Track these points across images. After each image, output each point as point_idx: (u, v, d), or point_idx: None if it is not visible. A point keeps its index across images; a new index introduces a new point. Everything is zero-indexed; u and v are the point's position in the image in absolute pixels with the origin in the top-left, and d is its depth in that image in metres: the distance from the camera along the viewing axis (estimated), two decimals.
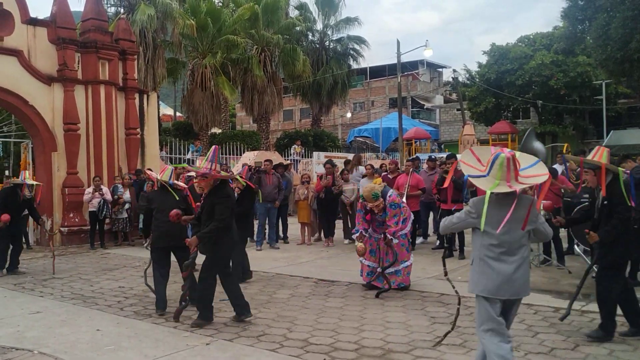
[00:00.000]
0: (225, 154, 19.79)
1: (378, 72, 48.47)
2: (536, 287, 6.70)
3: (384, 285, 7.22)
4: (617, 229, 5.12)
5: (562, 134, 33.33)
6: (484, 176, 3.82)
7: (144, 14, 19.74)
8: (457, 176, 9.77)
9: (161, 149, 17.87)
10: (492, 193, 3.72)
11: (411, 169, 10.94)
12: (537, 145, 12.46)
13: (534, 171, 3.86)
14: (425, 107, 48.60)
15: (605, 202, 5.24)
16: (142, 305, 6.91)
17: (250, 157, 18.13)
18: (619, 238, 5.16)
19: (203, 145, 22.43)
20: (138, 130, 14.01)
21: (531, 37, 34.31)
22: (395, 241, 7.26)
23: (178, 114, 33.63)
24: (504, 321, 3.89)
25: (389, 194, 7.35)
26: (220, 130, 26.72)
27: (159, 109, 25.09)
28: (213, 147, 6.05)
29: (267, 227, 11.72)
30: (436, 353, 4.93)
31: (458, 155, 17.89)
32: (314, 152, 23.72)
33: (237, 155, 20.02)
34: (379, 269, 7.34)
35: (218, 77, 22.56)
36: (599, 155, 5.23)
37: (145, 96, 14.54)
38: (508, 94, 32.76)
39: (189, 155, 19.35)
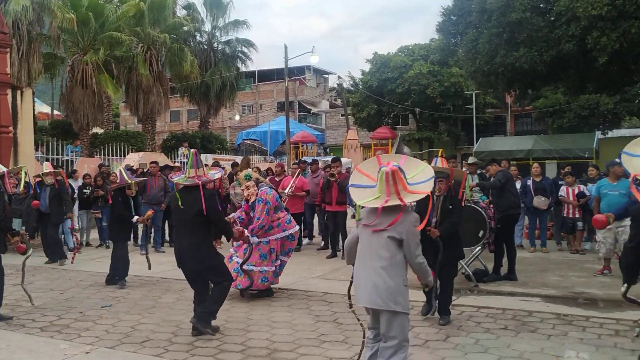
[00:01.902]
0: (108, 155, 18.99)
1: (266, 75, 48.64)
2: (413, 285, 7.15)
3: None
4: (455, 227, 5.88)
5: (437, 140, 35.50)
6: (372, 187, 3.89)
7: (18, 4, 18.41)
8: (341, 179, 10.19)
9: (37, 149, 16.77)
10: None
11: (297, 172, 11.20)
12: (405, 150, 13.26)
13: (422, 188, 3.92)
14: (311, 111, 49.51)
15: (447, 204, 5.88)
16: (14, 314, 6.53)
17: (134, 159, 17.53)
18: (452, 239, 5.90)
19: (84, 145, 21.33)
20: (10, 128, 13.06)
21: (410, 47, 36.21)
22: (254, 239, 6.96)
23: (56, 112, 31.67)
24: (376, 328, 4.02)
25: (262, 188, 7.22)
26: (102, 130, 25.56)
27: (34, 106, 23.52)
28: (192, 150, 5.73)
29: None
30: (320, 350, 5.15)
31: (343, 159, 18.40)
32: (201, 155, 23.37)
33: (120, 156, 19.27)
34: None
35: (100, 74, 21.53)
36: (444, 164, 6.07)
37: (18, 92, 13.60)
38: (389, 101, 34.31)
39: (67, 156, 18.32)
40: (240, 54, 32.83)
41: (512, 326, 5.84)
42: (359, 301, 3.93)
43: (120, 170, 8.53)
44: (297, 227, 7.65)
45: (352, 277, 4.45)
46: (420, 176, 3.97)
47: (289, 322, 6.09)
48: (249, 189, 7.21)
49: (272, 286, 7.38)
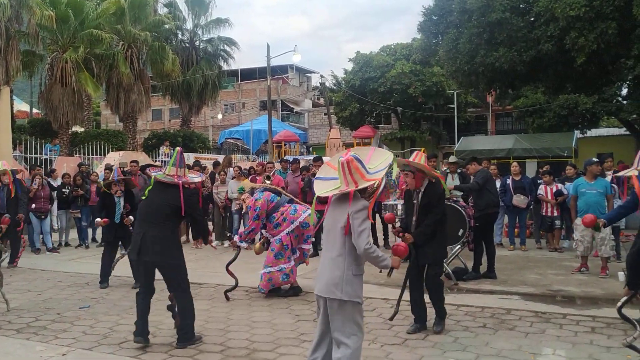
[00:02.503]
0: (88, 154, 18.79)
1: (249, 74, 48.50)
2: (395, 283, 7.18)
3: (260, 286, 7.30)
4: (430, 229, 5.50)
5: (419, 139, 35.69)
6: (336, 178, 3.88)
7: None
8: None
9: (15, 148, 16.53)
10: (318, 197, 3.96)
11: (274, 170, 11.20)
12: (384, 149, 13.17)
13: (376, 175, 3.91)
14: (294, 110, 49.47)
15: (425, 203, 5.60)
16: None
17: (115, 158, 17.37)
18: (434, 236, 5.57)
19: (63, 144, 21.07)
20: None
21: (392, 47, 36.32)
22: (243, 244, 7.27)
23: (36, 110, 31.21)
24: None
25: (254, 196, 7.35)
26: (82, 129, 25.27)
27: (12, 104, 23.15)
28: (178, 149, 5.49)
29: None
30: (299, 349, 5.14)
31: (325, 158, 18.41)
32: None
33: (101, 155, 19.07)
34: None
35: (80, 72, 21.26)
36: (418, 158, 5.75)
37: None
38: (371, 100, 34.41)
39: (46, 155, 18.08)
40: (222, 53, 32.66)
41: (490, 324, 5.90)
42: (316, 290, 3.93)
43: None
44: (308, 212, 7.24)
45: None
46: (382, 165, 3.98)
47: (269, 322, 6.08)
48: (245, 202, 7.37)
49: (252, 286, 7.39)
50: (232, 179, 11.85)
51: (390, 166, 4.14)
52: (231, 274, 7.23)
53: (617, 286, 7.44)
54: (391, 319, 5.84)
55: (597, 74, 13.16)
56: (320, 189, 3.94)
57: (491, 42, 12.59)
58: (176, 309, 5.33)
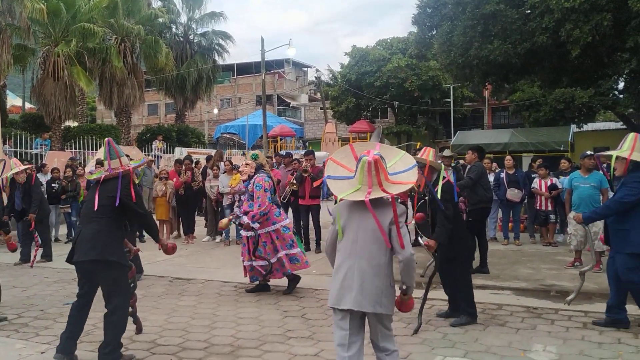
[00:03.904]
0: (82, 149, 18.64)
1: (245, 69, 48.34)
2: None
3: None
4: (447, 227, 5.37)
5: (415, 133, 35.58)
6: (350, 177, 3.57)
7: None
8: (314, 172, 10.07)
9: (5, 142, 16.37)
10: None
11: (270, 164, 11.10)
12: (386, 142, 13.04)
13: (406, 177, 3.59)
14: (291, 105, 49.30)
15: (432, 198, 5.54)
16: None
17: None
18: (453, 233, 5.45)
19: (55, 138, 20.89)
20: None
21: (389, 41, 36.19)
22: (256, 225, 6.75)
23: (29, 105, 30.99)
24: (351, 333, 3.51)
25: (260, 174, 6.94)
26: (76, 124, 25.08)
27: (5, 99, 22.98)
28: (106, 140, 4.99)
29: None
30: (284, 347, 5.03)
31: (322, 153, 18.22)
32: (176, 148, 23.11)
33: (93, 150, 18.91)
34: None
35: (73, 66, 21.05)
36: (426, 154, 5.71)
37: None
38: (367, 95, 34.28)
39: (36, 149, 17.91)
40: (217, 47, 32.43)
41: (481, 320, 5.78)
42: (343, 304, 3.47)
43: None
44: (288, 220, 7.26)
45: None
46: (399, 165, 3.65)
47: (255, 318, 5.97)
48: (246, 167, 6.95)
49: (240, 282, 7.27)
50: (223, 173, 11.72)
51: (416, 167, 3.72)
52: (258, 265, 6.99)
53: None
54: (415, 332, 5.44)
55: (593, 67, 13.03)
56: (340, 190, 3.55)
57: (485, 35, 12.45)
58: (114, 318, 4.62)
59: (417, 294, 6.30)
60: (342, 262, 3.52)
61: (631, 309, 5.55)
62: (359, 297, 3.40)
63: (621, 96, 25.12)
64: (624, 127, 25.60)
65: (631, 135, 5.49)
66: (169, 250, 5.08)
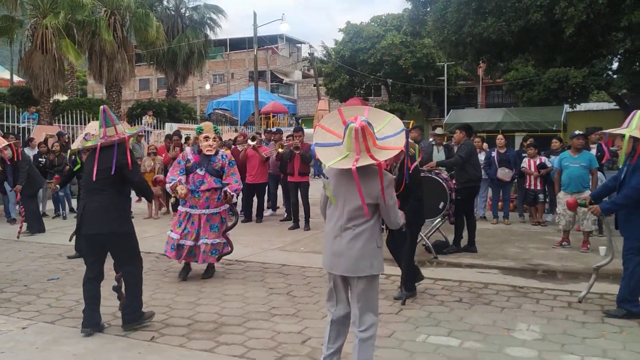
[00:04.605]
0: (70, 123, 18.43)
1: (238, 44, 47.84)
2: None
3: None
4: (415, 207, 5.59)
5: (409, 111, 35.43)
6: (338, 144, 3.55)
7: None
8: (304, 149, 10.00)
9: None
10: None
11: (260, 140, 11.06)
12: None
13: (392, 142, 3.58)
14: (284, 81, 48.95)
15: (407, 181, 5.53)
16: None
17: (95, 127, 16.88)
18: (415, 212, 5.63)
19: (44, 112, 20.63)
20: None
21: (383, 17, 35.82)
22: (235, 199, 6.67)
23: (17, 78, 30.53)
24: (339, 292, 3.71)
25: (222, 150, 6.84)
26: (65, 98, 24.76)
27: None
28: (102, 107, 4.89)
29: None
30: (269, 324, 5.00)
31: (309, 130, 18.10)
32: (166, 124, 22.91)
33: (82, 124, 18.70)
34: (187, 243, 6.53)
35: (61, 39, 20.69)
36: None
37: None
38: (361, 72, 34.01)
39: (23, 123, 17.68)
40: (208, 21, 32.04)
41: (466, 299, 5.79)
42: (335, 269, 3.61)
43: None
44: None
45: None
46: (388, 129, 3.62)
47: (241, 295, 5.94)
48: (209, 140, 6.55)
49: (227, 258, 7.18)
50: None
51: (404, 131, 3.70)
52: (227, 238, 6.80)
53: (598, 260, 7.34)
54: (403, 302, 5.57)
55: (587, 46, 12.91)
56: (327, 158, 3.53)
57: (479, 12, 12.28)
58: (123, 288, 4.85)
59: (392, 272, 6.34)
60: (332, 228, 3.63)
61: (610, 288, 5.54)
62: (350, 262, 3.53)
63: (615, 76, 25.01)
64: (617, 107, 25.55)
65: (639, 112, 5.18)
66: (159, 184, 5.64)
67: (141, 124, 22.32)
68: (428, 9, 15.23)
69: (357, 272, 3.53)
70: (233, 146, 11.85)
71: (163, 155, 12.01)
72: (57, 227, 10.59)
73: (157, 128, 22.56)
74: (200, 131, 6.67)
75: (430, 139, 11.00)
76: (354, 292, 3.61)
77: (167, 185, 6.38)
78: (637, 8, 10.32)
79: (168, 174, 6.67)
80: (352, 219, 3.55)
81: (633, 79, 21.23)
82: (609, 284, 6.29)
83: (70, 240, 7.14)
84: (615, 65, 22.43)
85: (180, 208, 6.71)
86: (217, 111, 37.16)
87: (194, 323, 5.03)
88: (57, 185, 9.62)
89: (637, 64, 17.92)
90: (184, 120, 27.41)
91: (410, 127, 6.34)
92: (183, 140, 12.58)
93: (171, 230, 6.62)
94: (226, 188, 6.50)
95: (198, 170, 6.52)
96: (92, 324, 4.72)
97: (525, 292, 6.05)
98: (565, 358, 4.22)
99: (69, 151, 10.33)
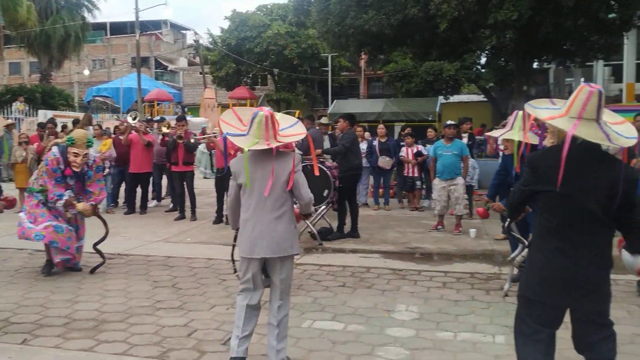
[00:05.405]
0: None
1: (120, 28, 45.70)
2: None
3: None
4: None
5: (295, 101, 35.81)
6: (244, 135, 3.76)
7: None
8: (187, 138, 9.80)
9: None
10: (249, 150, 3.70)
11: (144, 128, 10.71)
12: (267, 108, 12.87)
13: (293, 131, 3.91)
14: (168, 68, 47.49)
15: None
16: None
17: None
18: None
19: None
20: None
21: (269, 6, 35.76)
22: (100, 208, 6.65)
23: None
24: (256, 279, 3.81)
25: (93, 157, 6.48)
26: None
27: None
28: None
29: None
30: (153, 318, 4.90)
31: (198, 119, 17.70)
32: (40, 111, 21.42)
33: None
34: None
35: None
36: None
37: None
38: (248, 61, 33.77)
39: None
40: (86, 2, 30.26)
41: (350, 283, 6.01)
42: (257, 253, 3.72)
43: None
44: None
45: (234, 241, 4.50)
46: (283, 122, 3.92)
47: (123, 290, 5.75)
48: (78, 157, 6.10)
49: (109, 252, 6.91)
50: (92, 137, 11.03)
51: (299, 122, 4.06)
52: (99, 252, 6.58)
53: (469, 242, 7.95)
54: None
55: (459, 41, 13.76)
56: (243, 143, 3.72)
57: (361, 4, 12.68)
58: None
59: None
60: (251, 214, 3.76)
61: None
62: (271, 244, 3.70)
63: (483, 70, 26.84)
64: (485, 99, 27.52)
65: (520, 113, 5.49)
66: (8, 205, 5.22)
67: (11, 111, 20.66)
68: (312, 0, 15.44)
69: (280, 252, 3.72)
70: (114, 135, 11.37)
71: (36, 144, 11.24)
72: None
73: (30, 115, 21.02)
74: (71, 142, 6.10)
75: (317, 128, 11.21)
76: (275, 273, 3.80)
77: (59, 203, 6.08)
78: (502, 7, 11.14)
79: (49, 187, 6.12)
80: (271, 202, 3.74)
81: (498, 73, 22.96)
82: (478, 264, 6.83)
83: None
84: (483, 60, 24.05)
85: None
86: (97, 98, 35.35)
87: (71, 322, 4.80)
88: None
89: (502, 59, 19.36)
90: (60, 107, 25.78)
91: (296, 116, 6.45)
92: (59, 129, 11.88)
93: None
94: (92, 201, 6.29)
95: (68, 180, 6.21)
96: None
97: (404, 274, 6.39)
98: (440, 335, 4.52)
99: None
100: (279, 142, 3.74)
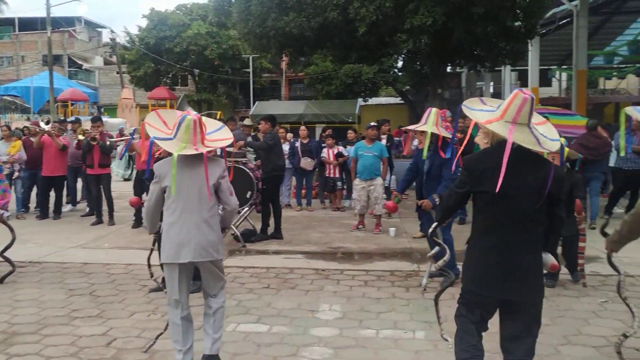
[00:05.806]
0: None
1: (29, 24, 43.58)
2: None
3: None
4: None
5: (216, 102, 35.46)
6: (170, 139, 3.72)
7: None
8: (103, 140, 9.48)
9: None
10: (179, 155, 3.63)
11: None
12: (189, 110, 12.82)
13: (219, 135, 3.92)
14: (83, 67, 45.66)
15: None
16: None
17: None
18: None
19: None
20: None
21: (189, 6, 35.23)
22: (6, 214, 6.35)
23: None
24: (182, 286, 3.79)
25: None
26: None
27: None
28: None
29: None
30: (69, 328, 4.71)
31: (115, 120, 17.19)
32: None
33: None
34: None
35: None
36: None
37: None
38: (167, 61, 33.06)
39: None
40: None
41: (274, 284, 6.03)
42: (182, 257, 3.67)
43: None
44: None
45: (153, 245, 4.54)
46: (209, 126, 3.93)
47: (36, 300, 5.49)
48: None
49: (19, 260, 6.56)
50: (0, 139, 10.45)
51: (224, 127, 4.09)
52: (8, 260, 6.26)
53: (389, 241, 8.17)
54: None
55: (377, 45, 14.05)
56: (172, 148, 3.67)
57: (282, 6, 12.69)
58: None
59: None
60: (177, 218, 3.70)
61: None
62: (197, 248, 3.67)
63: (400, 74, 27.61)
64: (402, 102, 28.33)
65: (433, 110, 5.93)
66: None
67: None
68: (233, 0, 15.31)
69: (207, 256, 3.72)
70: (24, 136, 10.81)
71: None
72: None
73: None
74: None
75: (241, 129, 11.18)
76: (206, 275, 3.86)
77: None
78: (417, 13, 11.50)
79: None
80: (199, 206, 3.72)
81: (414, 76, 23.69)
82: (398, 262, 7.04)
83: None
84: (400, 63, 24.70)
85: None
86: (5, 97, 33.55)
87: None
88: None
89: (418, 63, 19.99)
90: None
91: (218, 117, 6.41)
92: None
93: None
94: None
95: None
96: None
97: (327, 274, 6.47)
98: (363, 333, 4.62)
99: None
100: (207, 147, 3.76)
